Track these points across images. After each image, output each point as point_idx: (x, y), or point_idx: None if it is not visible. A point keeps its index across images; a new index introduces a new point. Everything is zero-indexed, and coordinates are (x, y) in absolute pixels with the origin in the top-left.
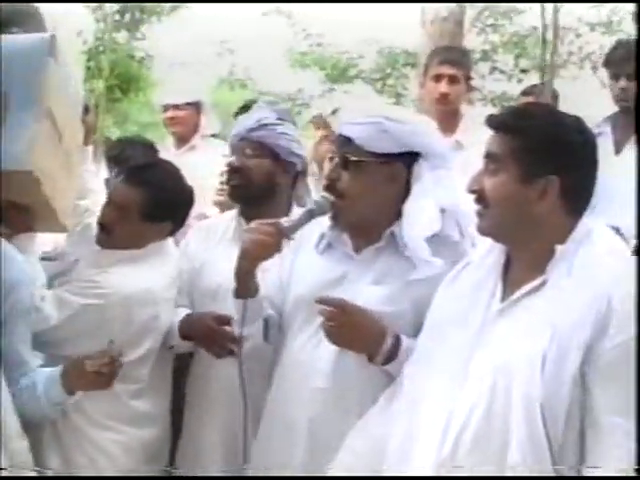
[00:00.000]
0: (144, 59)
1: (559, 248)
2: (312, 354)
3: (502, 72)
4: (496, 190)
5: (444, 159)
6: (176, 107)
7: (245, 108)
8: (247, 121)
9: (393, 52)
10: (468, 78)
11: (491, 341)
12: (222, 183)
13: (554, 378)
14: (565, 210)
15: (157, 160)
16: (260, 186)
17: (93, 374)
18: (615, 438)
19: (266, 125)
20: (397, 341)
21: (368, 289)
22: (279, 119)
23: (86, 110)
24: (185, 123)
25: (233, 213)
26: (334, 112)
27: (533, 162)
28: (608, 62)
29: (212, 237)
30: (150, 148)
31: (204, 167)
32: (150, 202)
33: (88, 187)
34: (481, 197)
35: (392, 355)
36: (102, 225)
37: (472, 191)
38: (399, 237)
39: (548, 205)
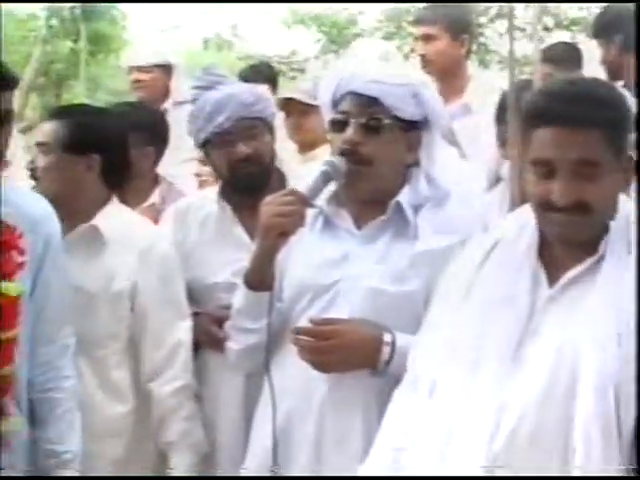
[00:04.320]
0: (117, 17)
1: (613, 225)
2: None
3: (522, 30)
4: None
5: (444, 127)
6: (140, 69)
7: (252, 68)
8: (235, 97)
9: (398, 9)
10: (458, 33)
11: (544, 327)
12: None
13: (628, 359)
14: None
15: None
16: (269, 168)
17: None
18: None
19: (260, 95)
20: (392, 342)
21: (372, 269)
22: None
23: None
24: (151, 87)
25: (212, 196)
26: None
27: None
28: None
29: (191, 223)
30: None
31: (177, 138)
32: None
33: None
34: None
35: (391, 359)
36: None
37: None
38: (406, 208)
39: None
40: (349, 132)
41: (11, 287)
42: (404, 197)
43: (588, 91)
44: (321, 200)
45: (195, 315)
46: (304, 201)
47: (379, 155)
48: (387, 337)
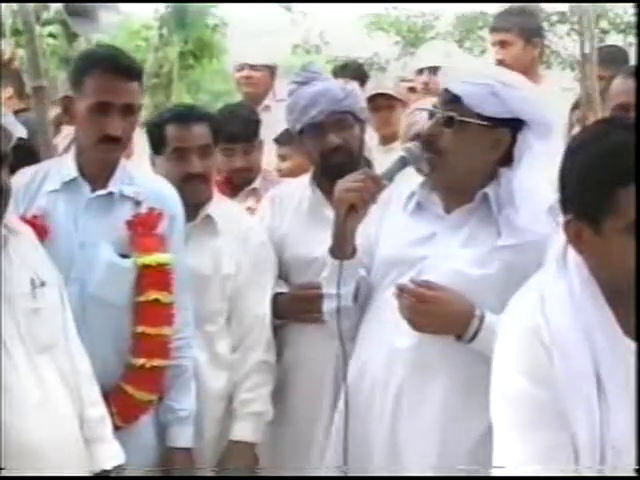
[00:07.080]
0: (218, 26)
1: None
2: (397, 313)
3: (580, 33)
4: None
5: (549, 130)
6: (252, 67)
7: (344, 67)
8: (327, 93)
9: (470, 15)
10: (530, 37)
11: None
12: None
13: None
14: None
15: None
16: (358, 157)
17: None
18: None
19: (350, 91)
20: (481, 317)
21: (457, 251)
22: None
23: None
24: (259, 84)
25: (306, 181)
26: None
27: None
28: None
29: (287, 207)
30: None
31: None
32: None
33: None
34: None
35: (477, 333)
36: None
37: None
38: (492, 199)
39: None
40: (429, 124)
41: (164, 257)
42: (491, 190)
43: None
44: (415, 185)
45: (281, 294)
46: (374, 180)
47: (451, 148)
48: (477, 311)
